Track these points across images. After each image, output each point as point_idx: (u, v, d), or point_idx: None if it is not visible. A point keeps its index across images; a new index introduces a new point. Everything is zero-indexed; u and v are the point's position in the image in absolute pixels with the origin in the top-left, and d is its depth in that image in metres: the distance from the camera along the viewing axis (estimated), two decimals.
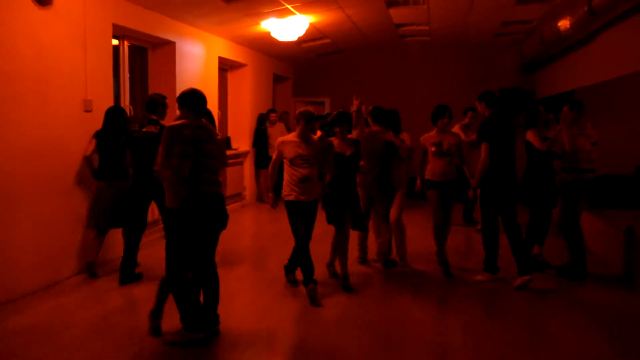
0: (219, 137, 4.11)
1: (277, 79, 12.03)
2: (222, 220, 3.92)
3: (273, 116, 10.60)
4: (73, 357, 3.68)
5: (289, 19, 8.06)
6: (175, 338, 3.84)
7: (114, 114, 5.48)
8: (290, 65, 12.49)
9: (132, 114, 6.87)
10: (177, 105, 3.95)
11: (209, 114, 4.24)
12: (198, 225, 3.78)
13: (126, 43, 6.75)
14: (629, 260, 5.42)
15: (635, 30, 5.88)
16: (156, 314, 3.98)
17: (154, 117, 5.31)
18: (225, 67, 9.80)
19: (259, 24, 8.17)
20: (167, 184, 3.75)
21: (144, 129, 5.21)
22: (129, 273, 5.22)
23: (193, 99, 3.86)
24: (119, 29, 6.22)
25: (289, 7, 7.43)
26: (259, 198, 10.55)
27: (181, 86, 7.31)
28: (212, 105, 8.00)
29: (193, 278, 3.91)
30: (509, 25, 9.38)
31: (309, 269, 4.85)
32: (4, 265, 4.60)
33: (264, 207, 9.93)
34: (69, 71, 5.33)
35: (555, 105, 6.01)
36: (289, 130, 11.44)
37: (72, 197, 5.40)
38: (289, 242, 5.10)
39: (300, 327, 4.31)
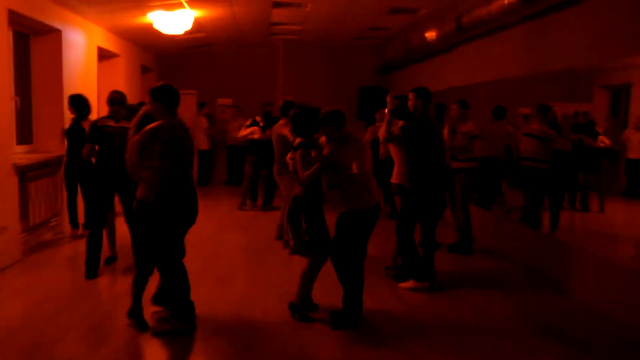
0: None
1: (143, 70, 11.64)
2: (193, 213, 3.96)
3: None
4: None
5: (177, 12, 8.01)
6: (164, 327, 3.87)
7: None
8: (155, 57, 12.16)
9: (17, 105, 6.33)
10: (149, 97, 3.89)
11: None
12: (173, 217, 3.83)
13: (10, 29, 6.18)
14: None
15: (491, 45, 7.12)
16: (137, 312, 3.97)
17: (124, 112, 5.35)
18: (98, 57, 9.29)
19: (145, 15, 7.98)
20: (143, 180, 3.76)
21: (117, 124, 5.24)
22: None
23: (168, 94, 3.82)
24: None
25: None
26: None
27: (67, 76, 6.97)
28: (93, 97, 7.67)
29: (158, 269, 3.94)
30: (372, 31, 10.40)
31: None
32: None
33: None
34: None
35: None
36: None
37: None
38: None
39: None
